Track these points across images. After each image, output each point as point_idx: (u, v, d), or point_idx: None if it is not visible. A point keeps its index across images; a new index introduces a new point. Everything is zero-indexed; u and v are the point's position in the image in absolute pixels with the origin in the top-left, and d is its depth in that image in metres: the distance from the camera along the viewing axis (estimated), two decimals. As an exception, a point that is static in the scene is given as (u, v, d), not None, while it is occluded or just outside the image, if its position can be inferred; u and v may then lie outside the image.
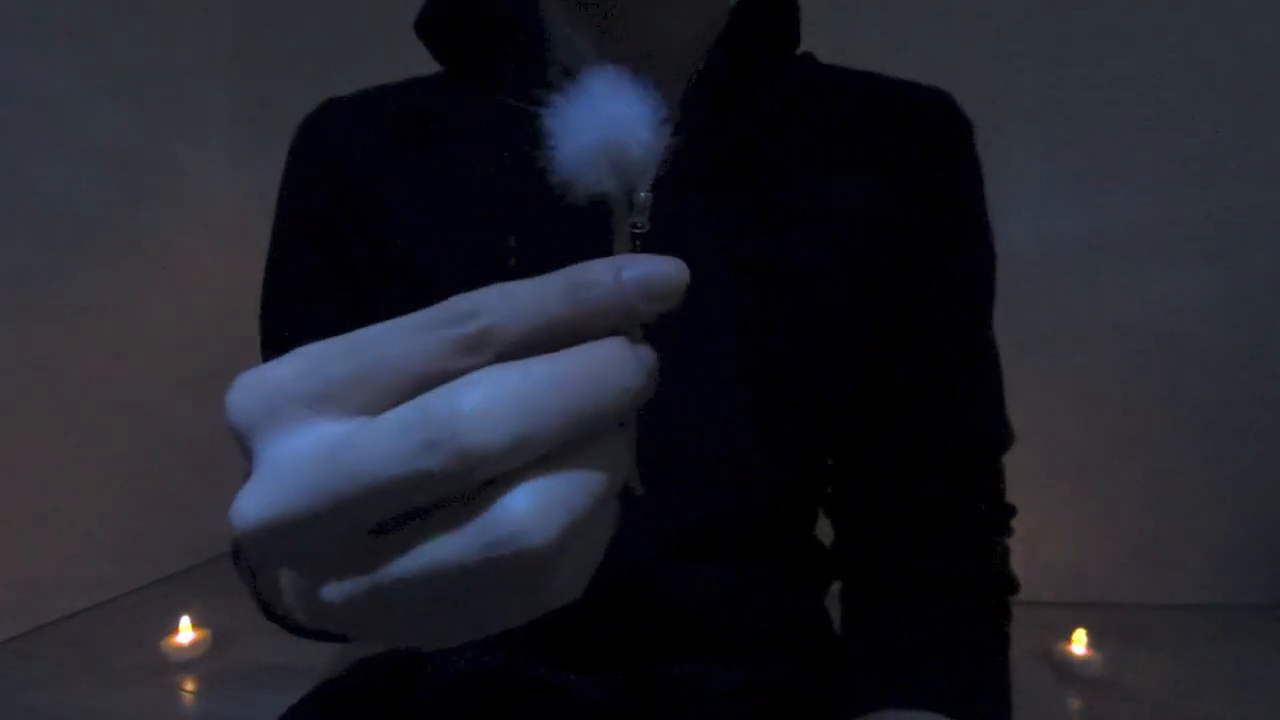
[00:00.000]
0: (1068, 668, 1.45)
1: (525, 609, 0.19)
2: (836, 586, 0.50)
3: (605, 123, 0.21)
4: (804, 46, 0.47)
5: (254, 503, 0.17)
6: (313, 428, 0.17)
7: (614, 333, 0.19)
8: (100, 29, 1.68)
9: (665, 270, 0.18)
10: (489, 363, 0.17)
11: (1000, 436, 0.46)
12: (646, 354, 0.19)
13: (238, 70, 2.01)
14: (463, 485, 0.16)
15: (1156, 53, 1.67)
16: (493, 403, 0.16)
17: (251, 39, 2.01)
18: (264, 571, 0.18)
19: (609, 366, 0.18)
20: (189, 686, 1.39)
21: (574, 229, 0.31)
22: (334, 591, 0.18)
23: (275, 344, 0.47)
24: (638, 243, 0.40)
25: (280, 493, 0.17)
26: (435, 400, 0.16)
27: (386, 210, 0.44)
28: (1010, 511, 0.47)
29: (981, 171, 0.46)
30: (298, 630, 0.39)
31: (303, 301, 0.46)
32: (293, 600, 0.19)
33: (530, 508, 0.16)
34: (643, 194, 0.41)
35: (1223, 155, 1.67)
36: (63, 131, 1.62)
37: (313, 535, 0.17)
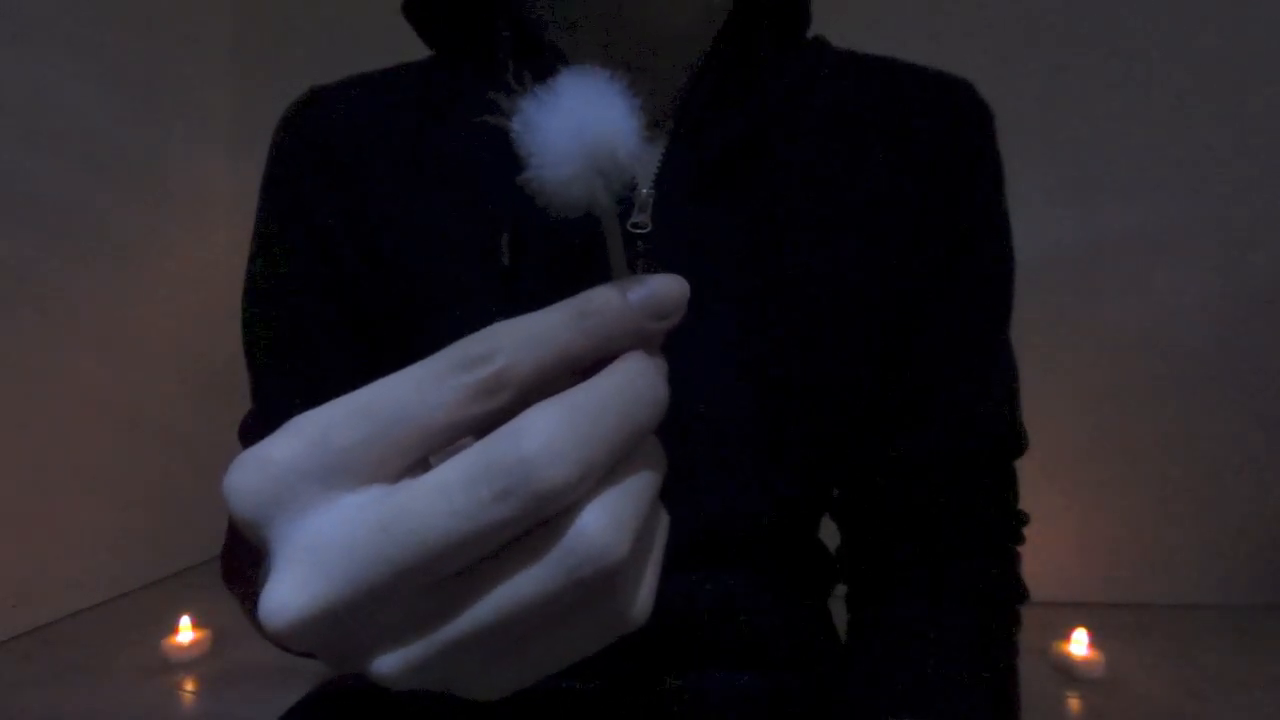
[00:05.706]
0: (1068, 668, 1.45)
1: (603, 632, 0.18)
2: (840, 589, 0.50)
3: (587, 129, 0.18)
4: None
5: (294, 594, 0.16)
6: (339, 503, 0.17)
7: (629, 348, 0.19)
8: (99, 29, 1.68)
9: (670, 288, 0.19)
10: (507, 403, 0.17)
11: (1013, 442, 0.45)
12: (662, 362, 0.20)
13: (238, 70, 2.00)
14: (535, 523, 0.16)
15: (1156, 57, 1.67)
16: (554, 441, 0.16)
17: (251, 39, 2.01)
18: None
19: (643, 382, 0.18)
20: (189, 686, 1.39)
21: (570, 225, 0.31)
22: (393, 660, 0.17)
23: (262, 353, 0.45)
24: (639, 244, 0.39)
25: (327, 577, 0.16)
26: (495, 449, 0.16)
27: (376, 201, 0.41)
28: (1022, 519, 0.45)
29: (1002, 166, 0.44)
30: (303, 652, 0.38)
31: (289, 304, 0.43)
32: (338, 670, 0.19)
33: (603, 523, 0.17)
34: (644, 191, 0.39)
35: (1223, 160, 1.67)
36: (62, 131, 1.61)
37: (369, 613, 0.16)
